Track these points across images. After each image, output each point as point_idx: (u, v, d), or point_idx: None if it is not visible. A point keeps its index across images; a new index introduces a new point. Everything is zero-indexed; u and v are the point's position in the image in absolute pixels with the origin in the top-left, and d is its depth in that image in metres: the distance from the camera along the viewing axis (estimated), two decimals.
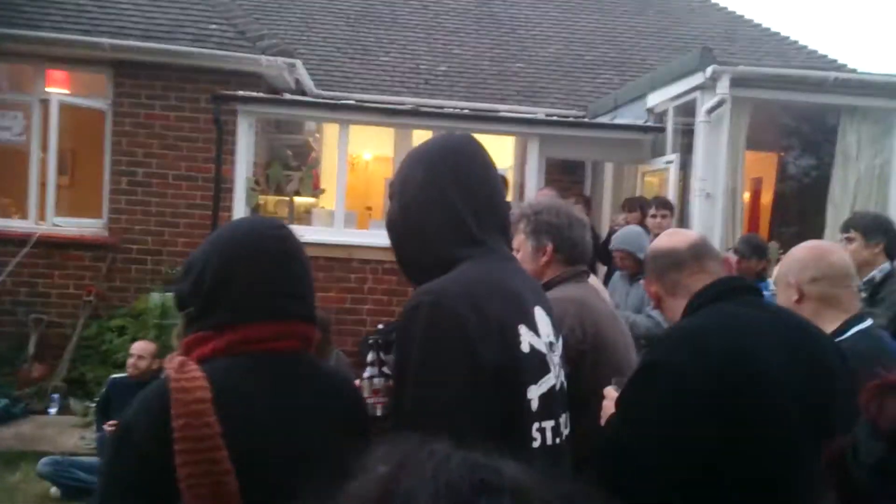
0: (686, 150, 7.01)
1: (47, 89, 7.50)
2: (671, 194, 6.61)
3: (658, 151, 7.38)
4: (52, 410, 6.48)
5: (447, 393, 1.35)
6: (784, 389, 1.68)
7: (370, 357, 1.62)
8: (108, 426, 4.85)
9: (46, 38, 7.06)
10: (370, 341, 1.66)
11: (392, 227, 1.61)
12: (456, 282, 1.44)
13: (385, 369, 1.60)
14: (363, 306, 7.08)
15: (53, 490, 4.94)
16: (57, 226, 7.38)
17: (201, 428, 1.22)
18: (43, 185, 7.37)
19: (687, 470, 1.65)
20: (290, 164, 8.46)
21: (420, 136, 7.57)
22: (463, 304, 1.39)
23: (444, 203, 1.52)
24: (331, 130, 8.80)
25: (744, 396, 1.65)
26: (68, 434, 5.91)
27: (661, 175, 7.29)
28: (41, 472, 4.98)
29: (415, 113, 7.64)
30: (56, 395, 6.55)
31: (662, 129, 7.32)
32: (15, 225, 7.40)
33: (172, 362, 1.32)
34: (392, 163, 9.34)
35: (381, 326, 2.25)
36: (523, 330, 1.46)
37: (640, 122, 7.62)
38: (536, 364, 1.48)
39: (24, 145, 7.56)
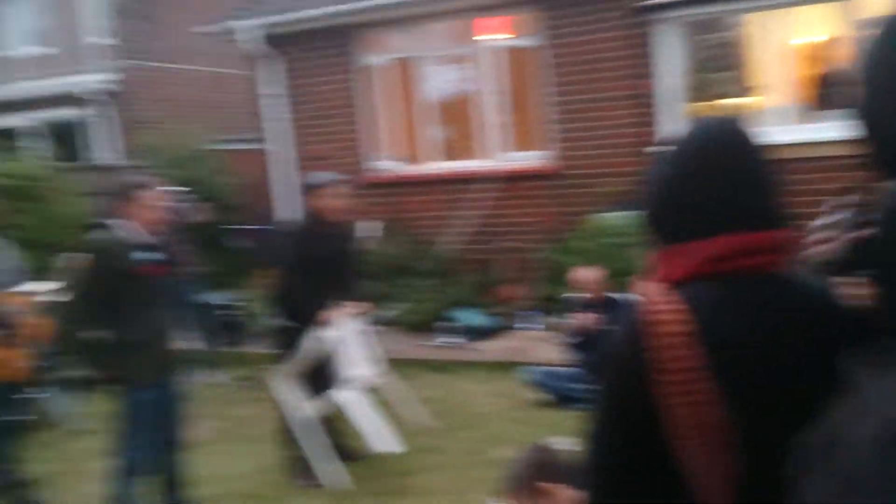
0: None
1: (484, 37, 8.30)
2: None
3: None
4: (528, 326, 7.38)
5: None
6: None
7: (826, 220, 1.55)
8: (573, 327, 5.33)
9: None
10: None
11: (860, 116, 1.40)
12: None
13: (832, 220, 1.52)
14: (809, 210, 6.50)
15: (543, 397, 5.55)
16: (511, 160, 8.24)
17: (681, 360, 1.19)
18: (495, 125, 8.25)
19: None
20: (719, 65, 8.07)
21: (870, 6, 6.59)
22: None
23: None
24: (761, 19, 8.12)
25: None
26: (544, 347, 6.58)
27: None
28: (530, 380, 5.67)
29: None
30: (529, 313, 7.45)
31: None
32: (477, 164, 8.44)
33: (646, 287, 1.29)
34: (836, 44, 8.27)
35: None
36: None
37: None
38: None
39: (475, 92, 8.53)
